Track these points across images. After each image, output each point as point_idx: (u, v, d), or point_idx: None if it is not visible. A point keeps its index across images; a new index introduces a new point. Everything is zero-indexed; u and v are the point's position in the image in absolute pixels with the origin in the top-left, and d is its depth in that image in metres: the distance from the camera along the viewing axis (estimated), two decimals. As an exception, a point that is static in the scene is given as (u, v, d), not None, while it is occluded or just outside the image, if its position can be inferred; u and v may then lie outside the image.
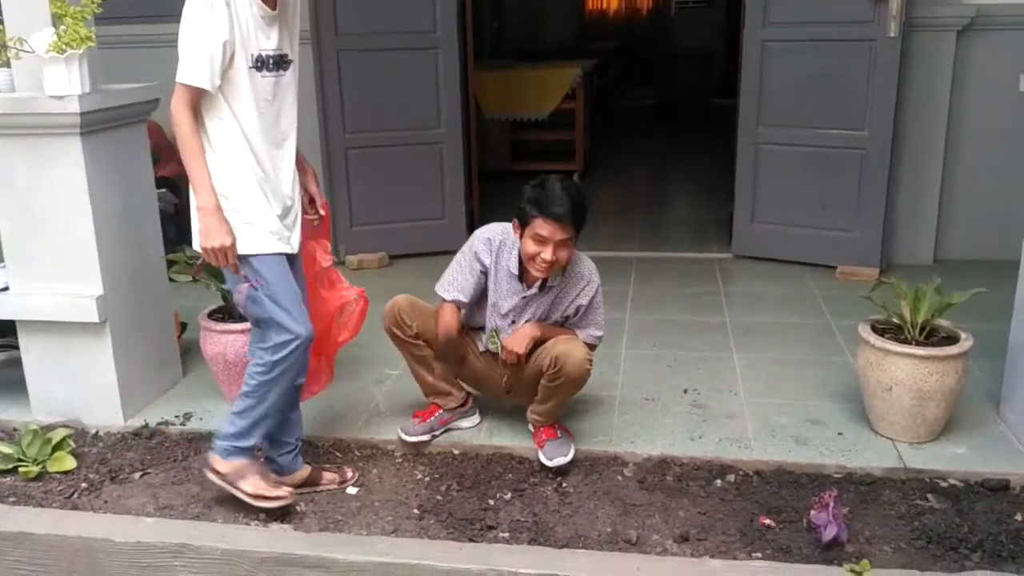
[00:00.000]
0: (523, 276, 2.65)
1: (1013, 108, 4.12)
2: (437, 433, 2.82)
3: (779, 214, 4.54)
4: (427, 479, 2.65)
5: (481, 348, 2.81)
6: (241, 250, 2.33)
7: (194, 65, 2.20)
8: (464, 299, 2.69)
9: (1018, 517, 2.36)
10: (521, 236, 2.55)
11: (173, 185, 4.68)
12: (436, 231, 4.80)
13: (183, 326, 3.44)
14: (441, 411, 2.83)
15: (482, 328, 2.81)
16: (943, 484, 2.53)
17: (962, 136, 4.35)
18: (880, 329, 2.76)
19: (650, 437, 2.81)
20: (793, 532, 2.34)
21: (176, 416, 3.02)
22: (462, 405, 2.87)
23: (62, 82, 2.66)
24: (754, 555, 2.26)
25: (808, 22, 4.24)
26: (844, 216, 4.36)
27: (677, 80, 10.50)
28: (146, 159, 3.11)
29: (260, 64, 2.29)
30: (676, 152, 8.33)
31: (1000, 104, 4.19)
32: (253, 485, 2.43)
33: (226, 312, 3.07)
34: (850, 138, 4.26)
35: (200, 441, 2.87)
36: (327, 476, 2.65)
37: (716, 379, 3.21)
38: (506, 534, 2.38)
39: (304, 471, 2.61)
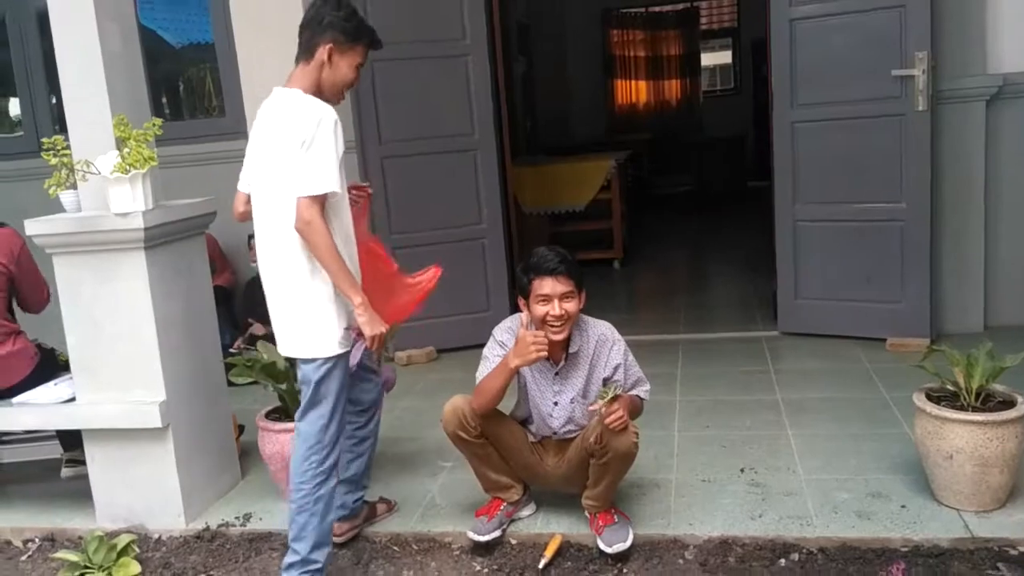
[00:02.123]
0: (549, 355, 2.69)
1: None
2: (506, 527, 2.81)
3: (823, 289, 4.54)
4: (486, 571, 2.65)
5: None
6: (332, 351, 2.49)
7: (330, 174, 2.35)
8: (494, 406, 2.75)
9: (1097, 584, 2.29)
10: (529, 308, 2.65)
11: (227, 294, 4.85)
12: (481, 323, 4.82)
13: (241, 428, 3.52)
14: (505, 504, 2.83)
15: (526, 420, 2.84)
16: (1013, 552, 2.46)
17: (1001, 203, 4.35)
18: (936, 397, 2.74)
19: (709, 518, 2.78)
20: (863, 609, 2.29)
21: (236, 517, 3.06)
22: (523, 495, 2.88)
23: (127, 200, 2.83)
24: (824, 635, 2.21)
25: (835, 102, 4.32)
26: (889, 288, 4.35)
27: (710, 166, 10.67)
28: (205, 268, 3.25)
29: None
30: (714, 235, 8.41)
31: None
32: None
33: (283, 412, 3.14)
34: (888, 211, 4.28)
35: (260, 541, 2.90)
36: (380, 508, 2.98)
37: (772, 457, 3.18)
38: (569, 623, 2.36)
39: (364, 511, 2.91)
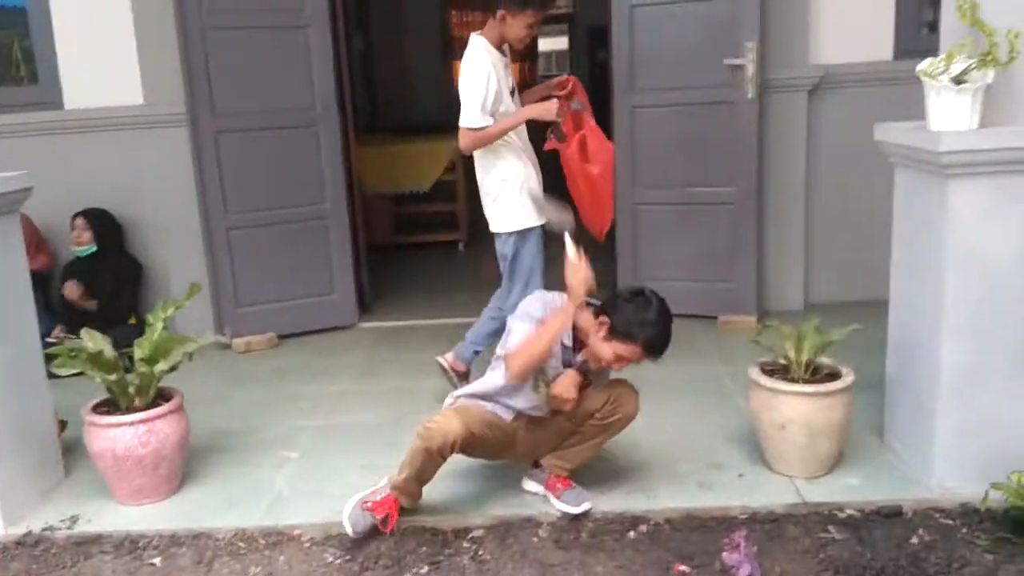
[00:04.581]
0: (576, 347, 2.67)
1: (863, 158, 4.39)
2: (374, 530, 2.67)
3: (660, 270, 4.68)
4: (339, 562, 2.57)
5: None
6: (515, 227, 3.43)
7: (469, 113, 3.32)
8: None
9: (914, 540, 2.49)
10: (607, 338, 2.55)
11: (44, 279, 4.46)
12: (326, 307, 4.75)
13: (63, 424, 3.25)
14: (398, 507, 2.65)
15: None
16: (841, 515, 2.64)
17: (820, 187, 4.65)
18: (769, 370, 2.89)
19: (561, 496, 2.82)
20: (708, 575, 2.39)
21: (62, 520, 2.83)
22: (414, 507, 2.74)
23: (-76, 174, 2.53)
24: (674, 603, 2.29)
25: (673, 88, 4.47)
26: (721, 268, 4.56)
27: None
28: (20, 250, 2.96)
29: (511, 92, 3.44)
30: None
31: (851, 154, 4.50)
32: None
33: (112, 405, 2.92)
34: (720, 195, 4.48)
35: (90, 544, 2.69)
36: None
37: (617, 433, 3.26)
38: (426, 608, 2.33)
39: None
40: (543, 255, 3.48)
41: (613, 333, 2.54)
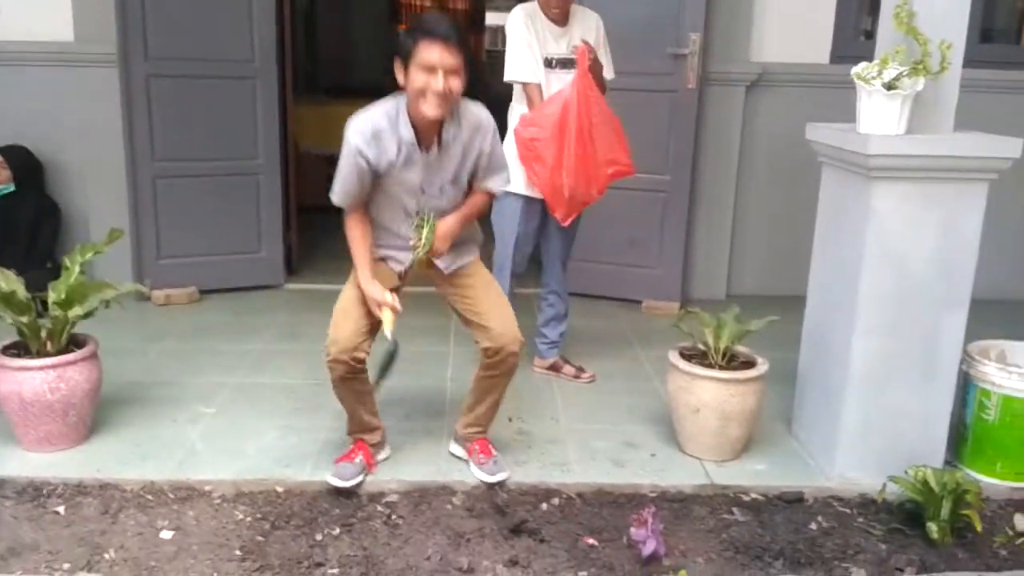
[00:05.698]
0: (420, 141, 2.51)
1: (794, 155, 4.49)
2: (367, 475, 2.72)
3: (590, 252, 4.73)
4: (249, 519, 2.55)
5: (403, 268, 2.70)
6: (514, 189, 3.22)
7: (510, 65, 3.41)
8: (360, 204, 2.59)
9: (813, 526, 2.59)
10: (407, 74, 2.41)
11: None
12: (252, 264, 4.67)
13: (-32, 365, 3.13)
14: (368, 447, 2.75)
15: (389, 245, 2.69)
16: (746, 498, 2.73)
17: (751, 181, 4.75)
18: (687, 355, 2.96)
19: (477, 465, 2.85)
20: (615, 550, 2.45)
21: (-39, 463, 2.74)
22: (382, 438, 2.83)
23: None
24: (580, 574, 2.33)
25: (616, 72, 4.48)
26: (649, 254, 4.63)
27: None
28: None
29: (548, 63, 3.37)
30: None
31: (783, 151, 4.61)
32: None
33: (22, 347, 2.83)
34: (653, 182, 4.51)
35: (-9, 489, 2.62)
36: (568, 368, 3.61)
37: (538, 407, 3.31)
38: (336, 570, 2.32)
39: (551, 359, 3.64)
40: (526, 234, 3.44)
41: (407, 60, 2.41)
